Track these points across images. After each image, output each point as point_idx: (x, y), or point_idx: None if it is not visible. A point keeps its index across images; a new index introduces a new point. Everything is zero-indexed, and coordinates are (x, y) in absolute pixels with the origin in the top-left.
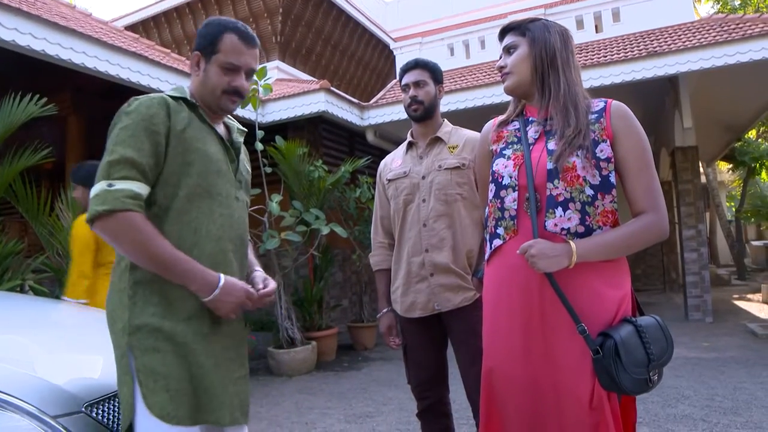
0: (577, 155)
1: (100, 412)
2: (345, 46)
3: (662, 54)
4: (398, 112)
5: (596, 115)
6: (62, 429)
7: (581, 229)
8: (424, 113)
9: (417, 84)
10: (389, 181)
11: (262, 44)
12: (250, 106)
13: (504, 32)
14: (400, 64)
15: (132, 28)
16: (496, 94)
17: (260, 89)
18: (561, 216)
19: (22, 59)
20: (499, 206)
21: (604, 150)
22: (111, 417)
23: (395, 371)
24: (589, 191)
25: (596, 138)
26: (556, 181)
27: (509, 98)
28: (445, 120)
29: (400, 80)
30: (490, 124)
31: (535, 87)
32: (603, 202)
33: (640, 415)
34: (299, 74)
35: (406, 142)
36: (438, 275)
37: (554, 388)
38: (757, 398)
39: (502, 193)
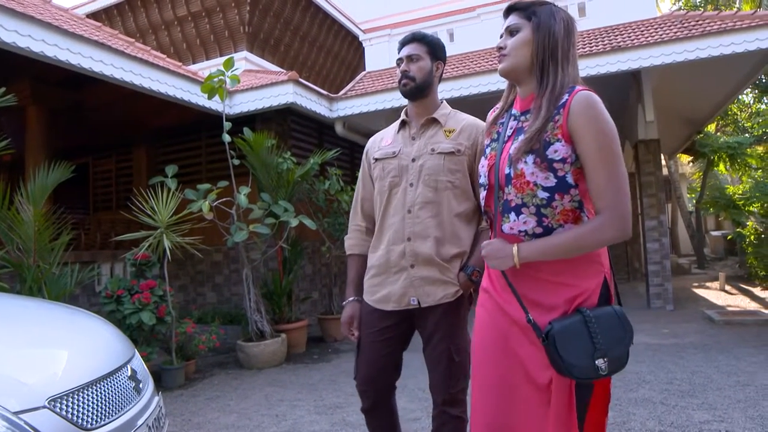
0: (526, 162)
1: (64, 406)
2: (314, 37)
3: (626, 49)
4: (367, 104)
5: (556, 111)
6: (23, 424)
7: (539, 230)
8: (414, 90)
9: (410, 58)
10: (376, 160)
11: (229, 35)
12: (217, 98)
13: (509, 11)
14: (369, 55)
15: (94, 16)
16: (464, 87)
17: (227, 80)
18: (515, 220)
19: None
20: (482, 205)
21: (558, 150)
22: (75, 411)
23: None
24: (543, 194)
25: (548, 139)
26: (509, 187)
27: (476, 91)
28: (444, 101)
29: (398, 53)
30: (488, 118)
31: (531, 75)
32: (562, 202)
33: None
34: (267, 65)
35: (399, 121)
36: (419, 267)
37: (524, 373)
38: (712, 381)
39: (481, 192)
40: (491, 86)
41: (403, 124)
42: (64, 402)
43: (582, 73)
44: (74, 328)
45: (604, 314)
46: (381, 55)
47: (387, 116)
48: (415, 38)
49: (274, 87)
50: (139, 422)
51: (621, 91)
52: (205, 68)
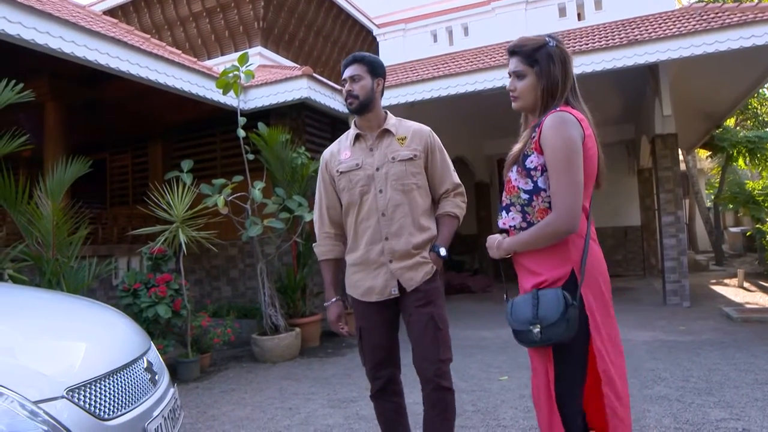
0: (512, 171)
1: (82, 396)
2: (328, 32)
3: (643, 42)
4: (382, 99)
5: (534, 131)
6: (42, 413)
7: (524, 225)
8: (359, 106)
9: (353, 78)
10: (341, 173)
11: (244, 30)
12: (232, 93)
13: (511, 53)
14: (383, 50)
15: (111, 12)
16: (479, 81)
17: (242, 75)
18: (506, 217)
19: None
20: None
21: (533, 161)
22: (93, 401)
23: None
24: (525, 195)
25: (526, 151)
26: (504, 193)
27: (491, 86)
28: (388, 112)
29: (342, 73)
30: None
31: (538, 107)
32: (538, 202)
33: None
34: (282, 60)
35: (352, 134)
36: (396, 261)
37: None
38: (730, 379)
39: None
40: (506, 81)
41: (358, 136)
42: (82, 392)
43: (598, 67)
44: (92, 320)
45: (549, 294)
46: (395, 49)
47: (401, 111)
48: (356, 60)
49: (288, 82)
50: (155, 413)
51: (638, 85)
52: (219, 64)
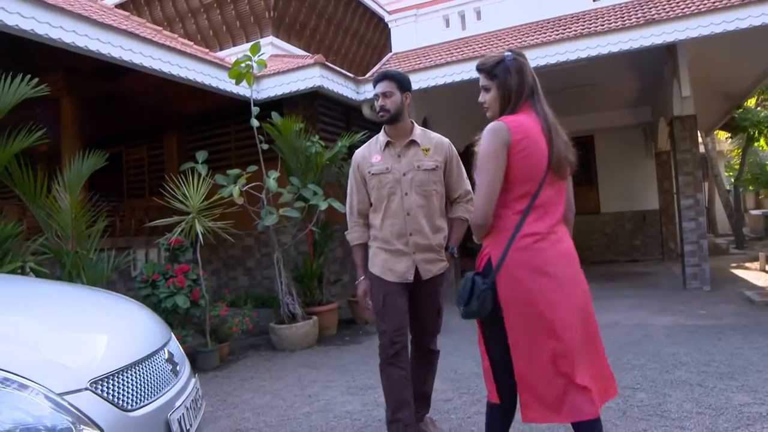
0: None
1: (105, 388)
2: (339, 20)
3: (660, 21)
4: None
5: None
6: (68, 405)
7: None
8: (390, 118)
9: (384, 95)
10: (372, 174)
11: (255, 20)
12: (244, 83)
13: (478, 70)
14: (395, 37)
15: (122, 6)
16: None
17: (254, 65)
18: None
19: (10, 40)
20: None
21: None
22: (116, 393)
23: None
24: None
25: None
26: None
27: None
28: (414, 122)
29: (374, 88)
30: None
31: (497, 114)
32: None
33: (637, 381)
34: (293, 50)
35: (383, 141)
36: (419, 253)
37: None
38: (752, 363)
39: None
40: None
41: (388, 143)
42: (106, 384)
43: (614, 48)
44: (113, 312)
45: (466, 277)
46: (407, 36)
47: (414, 97)
48: (387, 77)
49: (300, 71)
50: (177, 403)
51: (655, 66)
52: (231, 54)
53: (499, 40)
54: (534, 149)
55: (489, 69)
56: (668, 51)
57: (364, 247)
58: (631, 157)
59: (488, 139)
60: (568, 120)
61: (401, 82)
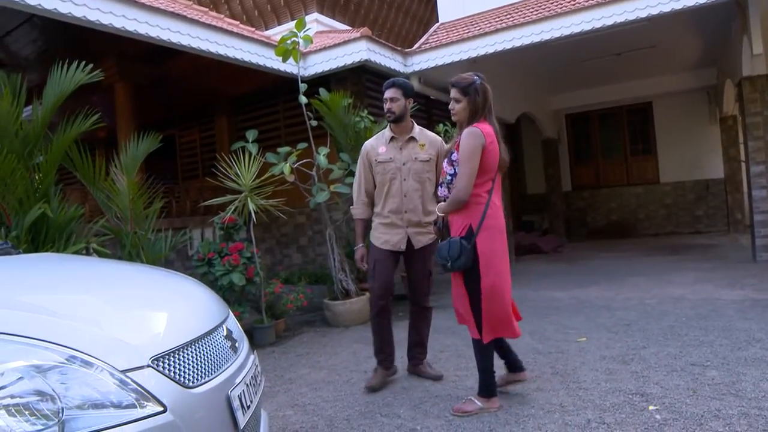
0: (445, 161)
1: (166, 365)
2: None
3: None
4: (443, 57)
5: (458, 137)
6: (131, 382)
7: (449, 195)
8: (395, 119)
9: (392, 99)
10: (378, 162)
11: None
12: (291, 60)
13: (452, 85)
14: (441, 6)
15: None
16: (545, 31)
17: (300, 41)
18: (440, 190)
19: (66, 28)
20: None
21: (454, 156)
22: (177, 369)
23: (450, 319)
24: (449, 177)
25: (452, 149)
26: (440, 175)
27: (558, 34)
28: (413, 121)
29: (383, 95)
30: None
31: (465, 122)
32: (454, 181)
33: (707, 358)
34: (338, 25)
35: (388, 135)
36: (411, 227)
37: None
38: None
39: None
40: (574, 28)
41: (392, 138)
42: (167, 361)
43: (677, 5)
44: (172, 290)
45: (455, 241)
46: (454, 4)
47: (463, 67)
48: (394, 85)
49: (347, 45)
50: (237, 380)
51: (721, 25)
52: (277, 33)
53: (552, 3)
54: (495, 150)
55: (463, 87)
56: (737, 5)
57: (364, 221)
58: (693, 123)
59: (470, 141)
60: (623, 86)
61: (406, 90)
